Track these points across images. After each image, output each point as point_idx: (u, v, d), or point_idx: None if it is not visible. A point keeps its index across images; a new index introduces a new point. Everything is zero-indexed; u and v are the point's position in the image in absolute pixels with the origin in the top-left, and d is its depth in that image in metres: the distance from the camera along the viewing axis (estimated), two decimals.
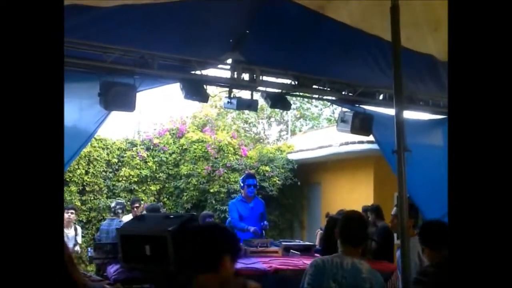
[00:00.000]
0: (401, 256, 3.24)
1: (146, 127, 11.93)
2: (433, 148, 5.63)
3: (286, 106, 5.29)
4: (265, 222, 6.20)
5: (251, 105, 5.26)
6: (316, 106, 18.26)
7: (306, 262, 4.07)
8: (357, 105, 5.30)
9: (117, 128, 11.04)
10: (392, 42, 3.57)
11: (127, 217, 7.65)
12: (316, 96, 5.68)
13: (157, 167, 10.45)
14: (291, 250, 5.01)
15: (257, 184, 6.61)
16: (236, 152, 11.04)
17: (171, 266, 3.65)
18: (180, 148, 10.79)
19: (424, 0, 4.33)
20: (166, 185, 10.54)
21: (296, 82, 5.13)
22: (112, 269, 4.06)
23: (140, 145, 10.56)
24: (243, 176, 6.67)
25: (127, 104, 4.14)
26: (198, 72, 4.68)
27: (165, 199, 10.50)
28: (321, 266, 2.85)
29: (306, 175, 11.35)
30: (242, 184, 6.38)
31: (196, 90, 4.59)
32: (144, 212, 7.44)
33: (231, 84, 4.99)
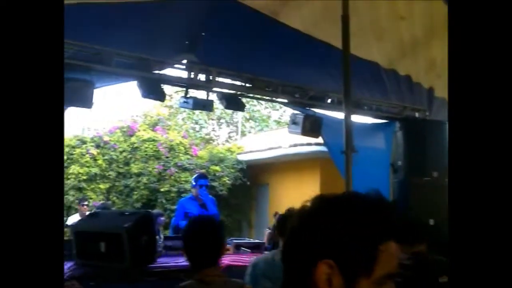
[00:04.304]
0: None
1: (95, 123, 11.72)
2: (375, 150, 5.98)
3: (240, 107, 5.45)
4: None
5: (206, 105, 5.36)
6: (267, 108, 18.53)
7: None
8: (307, 108, 5.54)
9: (65, 125, 10.77)
10: (343, 50, 3.83)
11: (74, 217, 7.55)
12: (269, 98, 5.88)
13: (107, 165, 10.31)
14: (242, 248, 5.12)
15: (209, 184, 6.72)
16: (187, 152, 11.08)
17: (127, 262, 3.71)
18: (131, 146, 10.69)
19: (371, 11, 4.65)
20: (116, 183, 10.40)
21: (250, 84, 5.30)
22: (65, 266, 4.05)
23: (90, 142, 10.37)
24: (195, 176, 6.75)
25: (84, 100, 4.14)
26: (155, 71, 4.76)
27: (115, 198, 10.37)
28: (257, 265, 3.00)
29: (255, 176, 11.54)
30: (194, 183, 6.45)
31: (153, 89, 4.66)
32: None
33: (188, 84, 5.10)
